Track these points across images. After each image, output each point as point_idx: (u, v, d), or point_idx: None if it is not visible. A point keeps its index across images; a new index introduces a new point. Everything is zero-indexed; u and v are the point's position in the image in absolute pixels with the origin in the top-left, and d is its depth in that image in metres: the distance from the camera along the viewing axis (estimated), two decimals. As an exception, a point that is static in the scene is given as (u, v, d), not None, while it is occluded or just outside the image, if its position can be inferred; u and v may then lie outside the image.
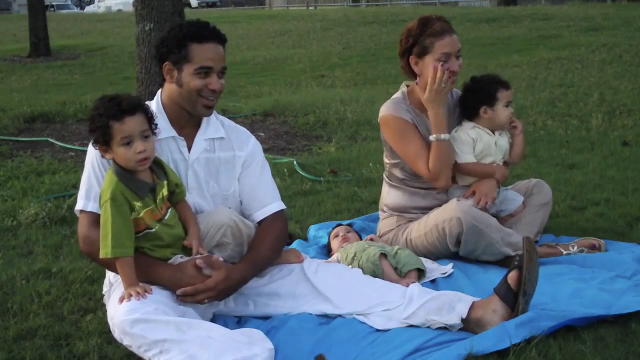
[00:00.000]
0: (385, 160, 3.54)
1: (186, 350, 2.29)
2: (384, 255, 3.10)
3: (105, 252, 2.47)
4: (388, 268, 3.07)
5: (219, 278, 2.61)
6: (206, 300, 2.63)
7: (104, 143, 2.53)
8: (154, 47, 2.87)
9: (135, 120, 2.52)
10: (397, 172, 3.48)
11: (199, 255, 2.62)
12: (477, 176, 3.39)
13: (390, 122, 3.36)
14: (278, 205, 2.95)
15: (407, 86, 3.47)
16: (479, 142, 3.39)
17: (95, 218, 2.63)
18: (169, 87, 2.81)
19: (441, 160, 3.27)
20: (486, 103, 3.38)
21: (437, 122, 3.27)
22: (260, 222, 2.90)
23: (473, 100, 3.42)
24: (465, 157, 3.36)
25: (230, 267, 2.68)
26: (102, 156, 2.61)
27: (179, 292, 2.58)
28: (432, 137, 3.27)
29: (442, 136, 3.26)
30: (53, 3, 41.38)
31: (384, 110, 3.39)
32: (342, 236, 3.46)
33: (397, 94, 3.46)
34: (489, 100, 3.38)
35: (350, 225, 3.67)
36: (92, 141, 2.60)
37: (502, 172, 3.43)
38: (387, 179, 3.57)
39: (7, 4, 44.78)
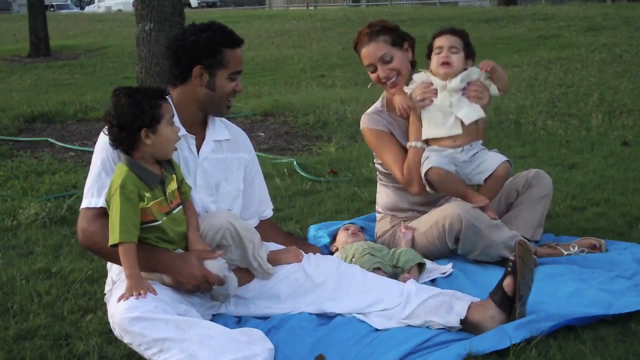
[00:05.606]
0: (375, 161, 3.62)
1: (186, 349, 2.30)
2: (378, 268, 3.07)
3: (113, 239, 2.48)
4: None
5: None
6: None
7: (153, 124, 2.54)
8: (170, 49, 2.86)
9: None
10: (385, 171, 3.54)
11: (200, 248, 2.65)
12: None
13: (367, 134, 3.51)
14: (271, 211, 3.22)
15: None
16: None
17: (97, 212, 2.65)
18: (193, 89, 2.84)
19: (414, 166, 3.32)
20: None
21: (414, 130, 3.34)
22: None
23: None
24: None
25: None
26: (131, 149, 2.57)
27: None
28: (408, 144, 3.36)
29: (418, 144, 3.33)
30: (53, 3, 41.30)
31: (362, 122, 3.53)
32: (351, 231, 3.47)
33: (377, 103, 3.57)
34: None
35: (362, 228, 3.65)
36: (134, 128, 2.53)
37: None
38: (378, 179, 3.65)
39: (7, 4, 44.73)
